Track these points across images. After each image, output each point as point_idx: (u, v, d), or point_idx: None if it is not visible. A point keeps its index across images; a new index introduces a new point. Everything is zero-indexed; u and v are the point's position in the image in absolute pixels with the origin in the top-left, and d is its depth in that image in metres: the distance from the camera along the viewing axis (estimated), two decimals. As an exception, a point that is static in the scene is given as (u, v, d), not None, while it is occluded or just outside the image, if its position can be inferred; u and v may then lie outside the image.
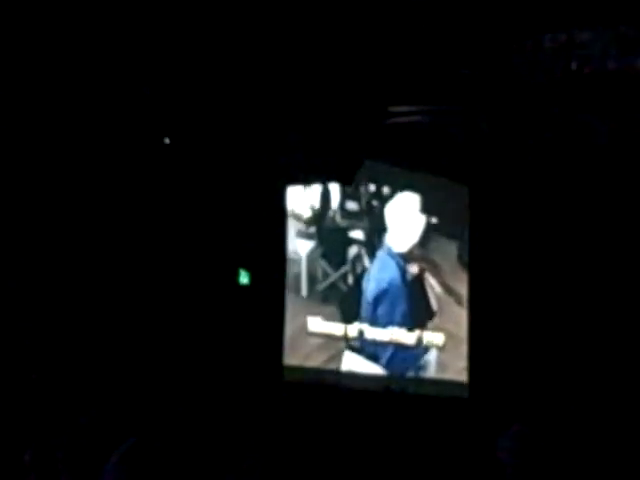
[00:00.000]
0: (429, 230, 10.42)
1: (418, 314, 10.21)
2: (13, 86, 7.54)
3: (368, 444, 9.06)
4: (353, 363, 9.63)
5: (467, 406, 10.25)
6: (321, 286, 9.54)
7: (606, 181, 10.32)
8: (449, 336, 10.39)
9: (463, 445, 9.50)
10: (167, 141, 8.44)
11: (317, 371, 9.36)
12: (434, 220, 10.46)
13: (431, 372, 10.23)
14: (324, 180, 9.07)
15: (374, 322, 9.81)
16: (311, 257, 9.47)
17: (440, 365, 10.27)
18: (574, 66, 8.26)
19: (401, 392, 9.78)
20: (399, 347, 9.96)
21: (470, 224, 10.70)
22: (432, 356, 10.23)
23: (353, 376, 9.61)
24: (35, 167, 7.77)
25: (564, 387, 10.28)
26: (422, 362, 10.15)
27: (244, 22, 7.53)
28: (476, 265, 10.63)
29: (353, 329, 9.63)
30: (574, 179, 10.40)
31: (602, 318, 10.39)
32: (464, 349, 10.47)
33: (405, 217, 10.25)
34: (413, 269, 10.23)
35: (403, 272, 10.14)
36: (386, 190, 10.07)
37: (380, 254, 9.99)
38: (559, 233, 10.61)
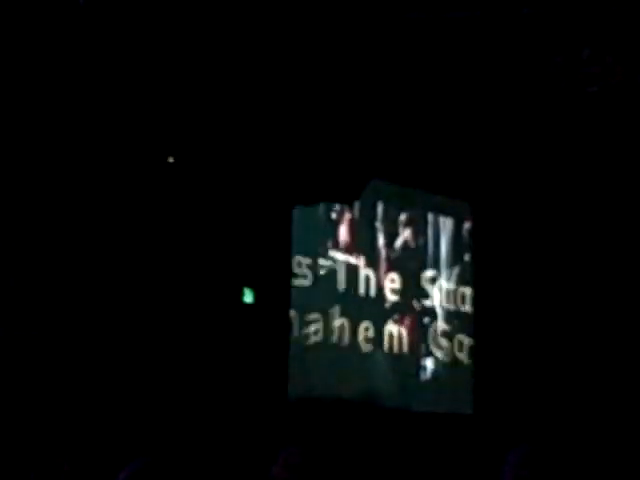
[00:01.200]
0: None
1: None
2: (18, 102, 7.56)
3: (372, 461, 9.05)
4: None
5: (471, 422, 10.24)
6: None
7: (608, 192, 10.32)
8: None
9: (467, 462, 9.48)
10: (171, 160, 8.45)
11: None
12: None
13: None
14: (328, 200, 9.09)
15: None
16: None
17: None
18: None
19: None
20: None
21: (472, 241, 10.71)
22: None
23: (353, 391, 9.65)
24: (40, 185, 7.78)
25: (569, 405, 10.25)
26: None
27: (250, 44, 7.56)
28: (480, 281, 10.63)
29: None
30: (575, 192, 10.40)
31: (610, 333, 10.37)
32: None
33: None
34: None
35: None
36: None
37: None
38: (563, 247, 10.60)
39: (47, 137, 7.76)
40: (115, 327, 8.01)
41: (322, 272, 9.62)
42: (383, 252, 10.12)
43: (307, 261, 9.51)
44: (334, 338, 9.65)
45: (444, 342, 10.47)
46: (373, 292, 10.03)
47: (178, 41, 7.55)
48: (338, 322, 9.70)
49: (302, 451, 4.51)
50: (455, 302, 10.65)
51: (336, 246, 9.75)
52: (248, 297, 8.84)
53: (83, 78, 7.60)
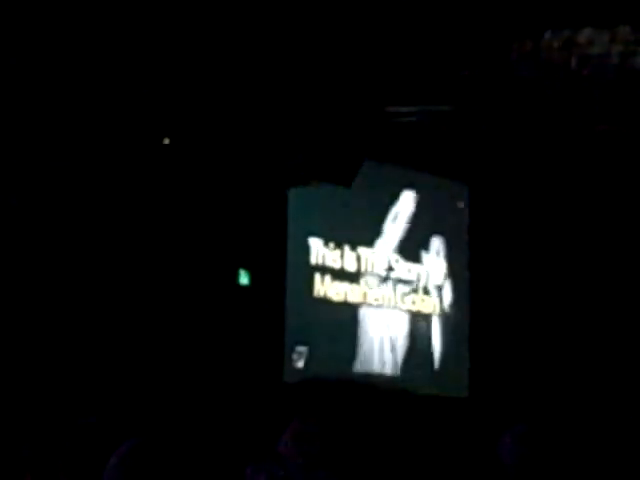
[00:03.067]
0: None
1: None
2: (12, 87, 7.53)
3: (367, 444, 9.05)
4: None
5: (466, 406, 10.24)
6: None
7: (608, 179, 10.31)
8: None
9: (463, 445, 9.49)
10: (167, 141, 8.43)
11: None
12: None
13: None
14: (324, 181, 9.06)
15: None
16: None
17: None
18: (574, 66, 8.25)
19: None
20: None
21: (469, 224, 10.70)
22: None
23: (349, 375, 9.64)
24: (34, 169, 7.76)
25: (564, 387, 10.27)
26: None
27: (245, 24, 7.52)
28: (477, 266, 10.62)
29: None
30: (575, 178, 10.39)
31: (603, 317, 10.38)
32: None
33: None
34: None
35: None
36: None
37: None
38: (561, 233, 10.60)
39: (41, 122, 7.74)
40: (109, 310, 8.00)
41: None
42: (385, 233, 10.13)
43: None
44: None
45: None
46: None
47: (171, 25, 7.51)
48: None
49: (316, 423, 4.47)
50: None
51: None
52: (244, 279, 8.83)
53: (78, 62, 7.57)
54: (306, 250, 9.46)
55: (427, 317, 10.36)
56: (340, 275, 9.71)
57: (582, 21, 7.82)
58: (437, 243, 10.56)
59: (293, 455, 4.34)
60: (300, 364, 9.16)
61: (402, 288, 10.17)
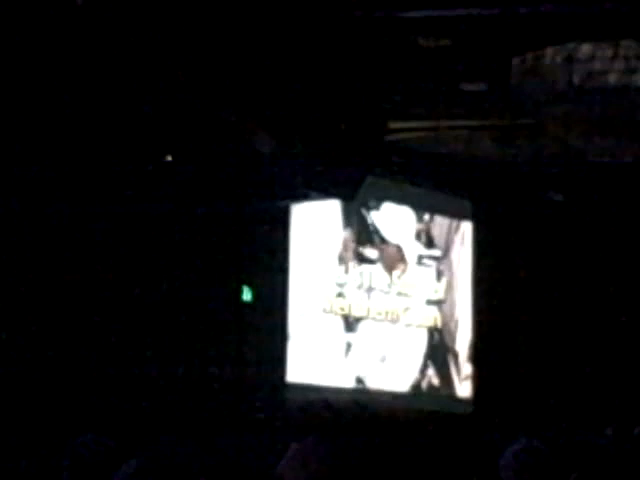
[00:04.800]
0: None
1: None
2: (15, 98, 7.55)
3: (371, 460, 9.03)
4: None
5: (471, 422, 10.22)
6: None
7: (609, 196, 10.30)
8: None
9: (467, 461, 9.46)
10: (169, 158, 8.44)
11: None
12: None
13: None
14: (326, 197, 9.07)
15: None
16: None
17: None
18: (576, 81, 8.26)
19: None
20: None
21: (473, 239, 10.68)
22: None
23: (350, 392, 9.62)
24: (37, 183, 7.78)
25: (567, 402, 10.24)
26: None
27: (246, 40, 7.54)
28: (480, 279, 10.61)
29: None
30: (577, 194, 10.39)
31: (607, 332, 10.36)
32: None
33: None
34: None
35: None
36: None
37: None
38: (564, 247, 10.58)
39: (44, 134, 7.75)
40: (113, 324, 8.00)
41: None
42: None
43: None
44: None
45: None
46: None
47: (173, 39, 7.53)
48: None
49: (311, 446, 4.46)
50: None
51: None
52: (247, 295, 8.84)
53: (80, 75, 7.59)
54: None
55: (430, 330, 10.35)
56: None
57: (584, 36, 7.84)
58: (441, 256, 10.56)
59: (292, 478, 4.33)
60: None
61: (405, 302, 10.16)
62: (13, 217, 7.70)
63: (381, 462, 9.09)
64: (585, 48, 8.14)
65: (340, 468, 4.08)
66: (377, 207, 9.98)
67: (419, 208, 10.35)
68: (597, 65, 8.23)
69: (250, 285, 8.86)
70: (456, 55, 8.04)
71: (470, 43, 7.90)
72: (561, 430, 9.36)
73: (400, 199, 10.21)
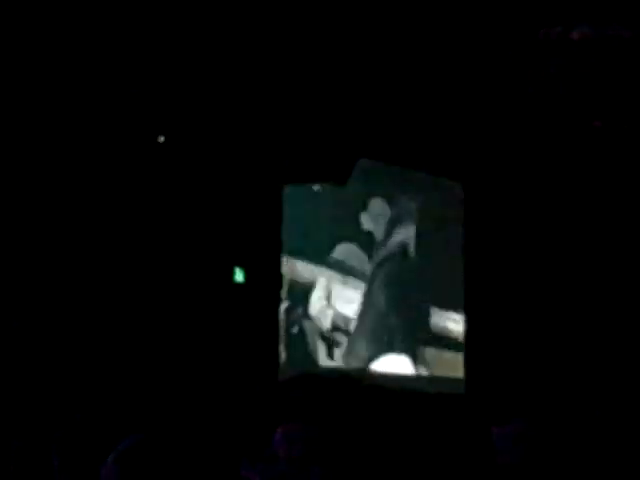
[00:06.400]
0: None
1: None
2: (7, 84, 7.53)
3: (364, 441, 9.06)
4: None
5: (463, 402, 10.25)
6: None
7: (603, 177, 10.31)
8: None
9: (460, 442, 9.50)
10: (161, 139, 8.43)
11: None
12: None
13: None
14: (319, 180, 9.07)
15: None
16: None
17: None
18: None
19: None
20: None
21: (465, 222, 10.69)
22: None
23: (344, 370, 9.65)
24: (28, 166, 7.76)
25: (561, 383, 10.28)
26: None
27: (241, 23, 7.53)
28: (472, 264, 10.62)
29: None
30: (570, 176, 10.40)
31: (599, 314, 10.39)
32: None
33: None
34: None
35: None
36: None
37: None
38: (556, 230, 10.60)
39: (37, 119, 7.74)
40: (105, 308, 8.00)
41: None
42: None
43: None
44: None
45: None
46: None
47: (167, 24, 7.52)
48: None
49: (303, 424, 4.49)
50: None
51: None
52: (239, 276, 8.84)
53: (73, 61, 7.58)
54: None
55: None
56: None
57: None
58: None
59: (286, 453, 4.36)
60: None
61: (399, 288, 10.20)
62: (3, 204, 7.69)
63: (371, 441, 9.13)
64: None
65: (322, 445, 4.11)
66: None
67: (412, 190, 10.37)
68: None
69: (242, 266, 8.87)
70: (452, 40, 8.01)
71: (469, 25, 7.86)
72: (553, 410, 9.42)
73: (394, 182, 10.21)
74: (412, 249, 10.32)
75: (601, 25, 7.84)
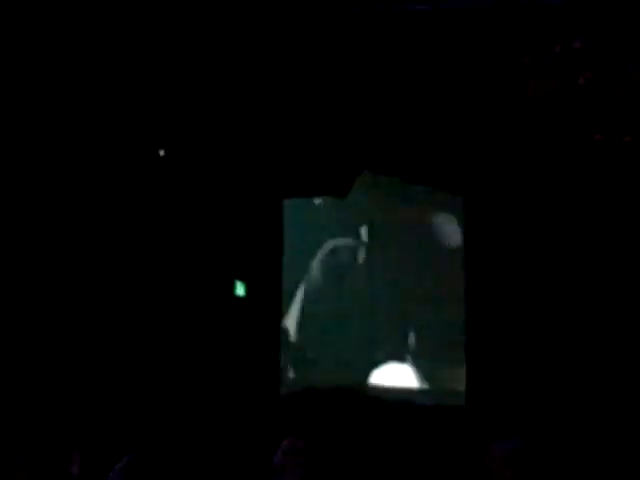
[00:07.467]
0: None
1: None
2: (9, 98, 7.56)
3: (364, 453, 9.07)
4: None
5: (464, 414, 10.25)
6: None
7: (604, 191, 10.32)
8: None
9: (459, 454, 9.50)
10: (162, 153, 8.45)
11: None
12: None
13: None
14: (320, 193, 9.09)
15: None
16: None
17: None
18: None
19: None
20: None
21: (465, 233, 10.70)
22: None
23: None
24: (30, 179, 7.78)
25: (561, 397, 10.27)
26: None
27: (242, 37, 7.56)
28: (472, 273, 10.62)
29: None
30: (570, 186, 10.40)
31: (601, 326, 10.36)
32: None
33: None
34: None
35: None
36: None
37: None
38: (558, 243, 10.59)
39: (39, 129, 7.76)
40: (107, 319, 8.01)
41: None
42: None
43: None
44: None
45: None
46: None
47: (169, 35, 7.55)
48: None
49: (305, 438, 4.51)
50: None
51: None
52: (240, 290, 8.86)
53: (75, 71, 7.60)
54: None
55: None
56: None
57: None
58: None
59: (287, 468, 4.38)
60: None
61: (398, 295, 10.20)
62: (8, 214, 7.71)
63: (371, 454, 9.13)
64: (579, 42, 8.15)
65: (322, 459, 4.13)
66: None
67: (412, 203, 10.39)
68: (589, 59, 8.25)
69: (243, 280, 8.88)
70: (453, 51, 8.05)
71: (468, 38, 7.90)
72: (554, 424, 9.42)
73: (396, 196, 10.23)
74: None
75: (601, 36, 7.88)
